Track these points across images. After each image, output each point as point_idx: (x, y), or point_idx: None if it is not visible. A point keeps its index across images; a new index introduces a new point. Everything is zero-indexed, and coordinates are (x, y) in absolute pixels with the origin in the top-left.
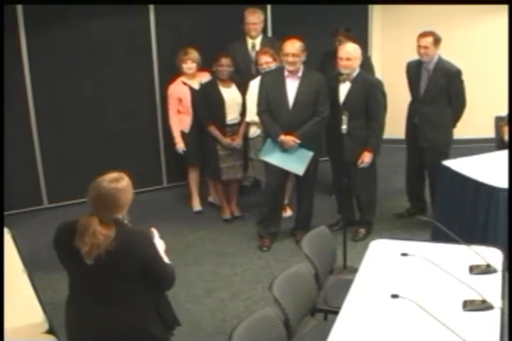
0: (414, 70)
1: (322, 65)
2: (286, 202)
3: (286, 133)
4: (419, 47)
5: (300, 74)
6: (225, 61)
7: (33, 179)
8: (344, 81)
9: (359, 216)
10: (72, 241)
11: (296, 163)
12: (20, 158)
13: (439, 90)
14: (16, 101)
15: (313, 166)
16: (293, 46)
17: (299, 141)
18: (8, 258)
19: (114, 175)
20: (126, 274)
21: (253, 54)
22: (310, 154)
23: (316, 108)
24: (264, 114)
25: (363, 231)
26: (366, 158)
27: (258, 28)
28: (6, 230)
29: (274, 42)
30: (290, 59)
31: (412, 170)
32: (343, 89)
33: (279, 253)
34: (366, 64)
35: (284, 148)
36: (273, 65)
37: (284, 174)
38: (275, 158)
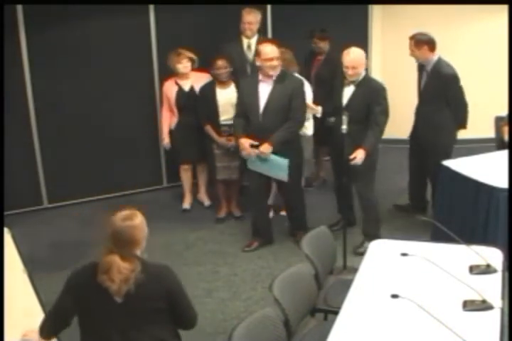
0: (419, 71)
1: (305, 64)
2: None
3: (260, 140)
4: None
5: (274, 78)
6: (221, 63)
7: (33, 179)
8: (349, 84)
9: (363, 227)
10: (93, 282)
11: (278, 170)
12: (20, 158)
13: (434, 91)
14: (16, 101)
15: (292, 170)
16: (277, 49)
17: (269, 151)
18: (8, 258)
19: (126, 212)
20: (155, 308)
21: (249, 54)
22: (285, 162)
23: (290, 113)
24: (237, 118)
25: (367, 244)
26: (359, 154)
27: (254, 28)
28: (6, 230)
29: None
30: (275, 62)
31: (414, 171)
32: (347, 92)
33: (279, 253)
34: None
35: (262, 158)
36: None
37: (263, 177)
38: (259, 167)
